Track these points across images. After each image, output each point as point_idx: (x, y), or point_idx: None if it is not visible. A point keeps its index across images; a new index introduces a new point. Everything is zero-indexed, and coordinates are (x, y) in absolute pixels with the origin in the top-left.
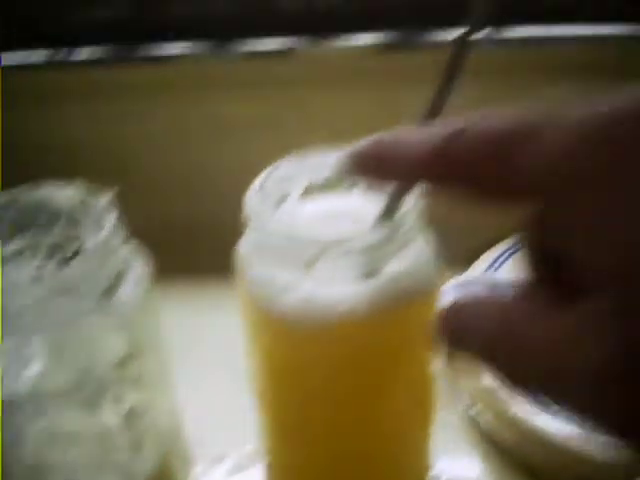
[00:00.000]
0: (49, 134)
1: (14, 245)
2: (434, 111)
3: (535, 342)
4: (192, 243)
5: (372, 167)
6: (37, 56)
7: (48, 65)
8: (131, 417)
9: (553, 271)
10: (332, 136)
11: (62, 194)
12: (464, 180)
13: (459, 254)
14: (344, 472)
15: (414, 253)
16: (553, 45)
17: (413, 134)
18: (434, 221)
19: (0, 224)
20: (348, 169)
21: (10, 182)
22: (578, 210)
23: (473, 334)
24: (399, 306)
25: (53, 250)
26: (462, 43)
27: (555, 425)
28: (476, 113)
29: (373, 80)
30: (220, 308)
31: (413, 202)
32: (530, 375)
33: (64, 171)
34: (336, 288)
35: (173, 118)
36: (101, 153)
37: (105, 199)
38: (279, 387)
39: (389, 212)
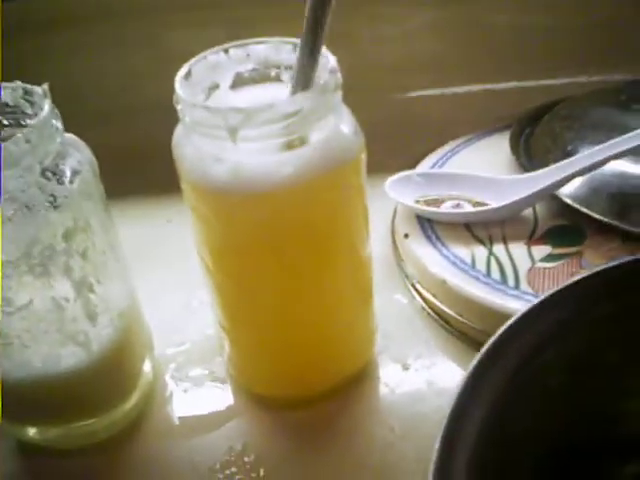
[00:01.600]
0: None
1: None
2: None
3: None
4: (140, 165)
5: None
6: None
7: None
8: (82, 287)
9: None
10: None
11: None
12: None
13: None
14: (292, 345)
15: (334, 123)
16: None
17: None
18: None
19: None
20: None
21: None
22: None
23: None
24: (323, 175)
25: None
26: None
27: (493, 294)
28: None
29: None
30: (178, 216)
31: (329, 74)
32: None
33: None
34: (262, 158)
35: (116, 45)
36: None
37: (41, 88)
38: (225, 262)
39: (304, 82)
